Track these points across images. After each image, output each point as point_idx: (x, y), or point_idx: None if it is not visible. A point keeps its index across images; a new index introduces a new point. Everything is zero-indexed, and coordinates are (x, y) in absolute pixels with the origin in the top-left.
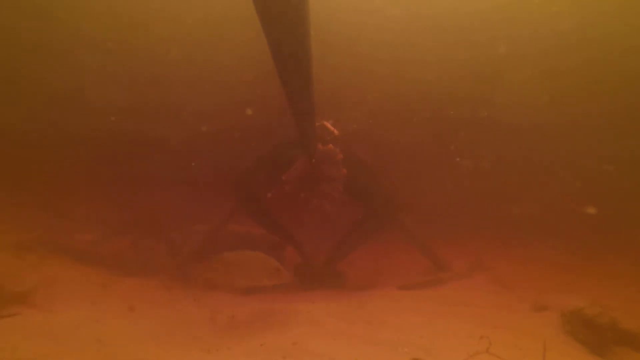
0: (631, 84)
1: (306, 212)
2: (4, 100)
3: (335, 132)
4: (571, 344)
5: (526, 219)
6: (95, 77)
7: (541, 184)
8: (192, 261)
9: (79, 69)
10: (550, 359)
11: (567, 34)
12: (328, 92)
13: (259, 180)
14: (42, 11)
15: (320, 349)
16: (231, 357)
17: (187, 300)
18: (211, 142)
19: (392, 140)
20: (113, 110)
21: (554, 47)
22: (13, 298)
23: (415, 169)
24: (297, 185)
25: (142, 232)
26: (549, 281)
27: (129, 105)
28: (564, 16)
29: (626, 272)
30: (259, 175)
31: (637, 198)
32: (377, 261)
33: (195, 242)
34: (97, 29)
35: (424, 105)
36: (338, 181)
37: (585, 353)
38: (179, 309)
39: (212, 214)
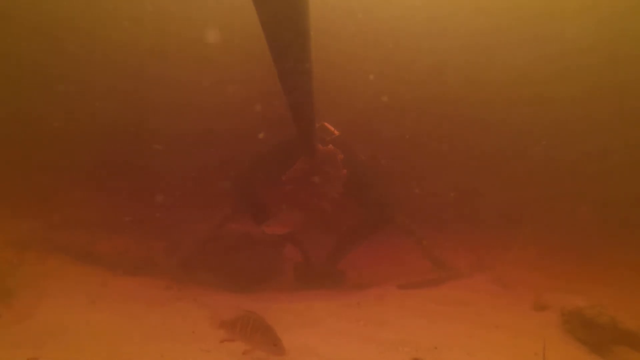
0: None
1: (306, 212)
2: (3, 98)
3: (336, 132)
4: (571, 344)
5: (526, 218)
6: (98, 73)
7: (541, 184)
8: (191, 260)
9: (81, 65)
10: (550, 359)
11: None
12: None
13: (259, 179)
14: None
15: (320, 349)
16: (231, 357)
17: (187, 299)
18: (212, 141)
19: (394, 140)
20: (114, 108)
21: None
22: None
23: (416, 168)
24: (296, 185)
25: (141, 231)
26: (549, 281)
27: (130, 103)
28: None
29: (626, 272)
30: (259, 175)
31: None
32: (377, 260)
33: (195, 241)
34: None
35: (426, 105)
36: (338, 181)
37: (585, 352)
38: (179, 309)
39: (212, 212)
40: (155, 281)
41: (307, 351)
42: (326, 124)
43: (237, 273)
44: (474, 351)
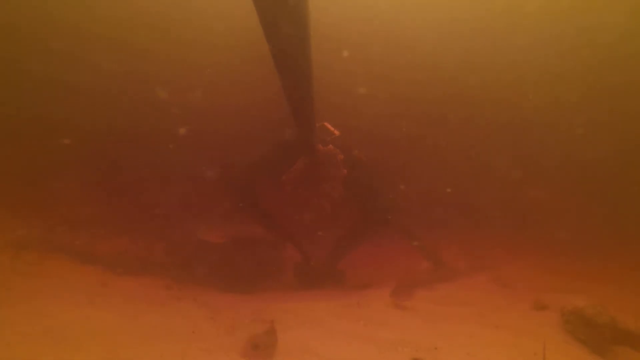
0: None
1: (306, 211)
2: (2, 98)
3: (336, 132)
4: (571, 343)
5: (526, 218)
6: (97, 74)
7: (541, 184)
8: (192, 260)
9: (81, 67)
10: (550, 358)
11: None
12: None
13: (259, 180)
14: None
15: (320, 348)
16: (231, 357)
17: (187, 299)
18: (212, 141)
19: (394, 141)
20: (114, 109)
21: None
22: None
23: (417, 168)
24: (297, 185)
25: (140, 231)
26: (549, 281)
27: (130, 102)
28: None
29: (626, 272)
30: (259, 175)
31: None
32: (377, 261)
33: (195, 241)
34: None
35: (425, 106)
36: (338, 181)
37: (585, 352)
38: (179, 309)
39: (212, 213)
40: (155, 281)
41: (308, 351)
42: (326, 124)
43: (237, 273)
44: (474, 351)
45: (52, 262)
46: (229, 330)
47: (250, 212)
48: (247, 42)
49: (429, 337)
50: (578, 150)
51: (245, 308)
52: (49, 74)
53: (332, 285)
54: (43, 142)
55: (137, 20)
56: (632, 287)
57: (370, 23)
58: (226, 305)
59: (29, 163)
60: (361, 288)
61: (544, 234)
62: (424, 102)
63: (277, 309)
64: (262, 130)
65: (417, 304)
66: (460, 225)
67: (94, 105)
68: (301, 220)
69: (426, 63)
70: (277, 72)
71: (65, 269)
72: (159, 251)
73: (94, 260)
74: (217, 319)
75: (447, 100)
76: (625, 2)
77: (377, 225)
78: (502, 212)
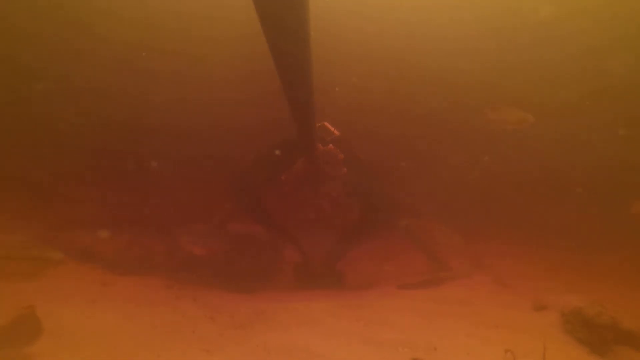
0: None
1: (306, 211)
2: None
3: (336, 132)
4: (571, 343)
5: (526, 218)
6: (95, 70)
7: (541, 183)
8: (192, 260)
9: (78, 62)
10: (550, 359)
11: None
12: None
13: (259, 179)
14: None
15: (320, 349)
16: (231, 357)
17: (187, 299)
18: (212, 139)
19: (394, 140)
20: (112, 106)
21: None
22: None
23: (417, 168)
24: (297, 185)
25: (140, 230)
26: (549, 280)
27: (129, 99)
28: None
29: (626, 271)
30: (259, 175)
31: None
32: (376, 260)
33: (195, 240)
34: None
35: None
36: (338, 181)
37: (585, 352)
38: (179, 309)
39: (212, 212)
40: (155, 281)
41: (307, 351)
42: (326, 123)
43: (237, 273)
44: (474, 351)
45: (52, 262)
46: (230, 331)
47: (251, 211)
48: (245, 38)
49: (429, 336)
50: (579, 148)
51: (245, 308)
52: (46, 70)
53: (332, 285)
54: (43, 141)
55: (129, 13)
56: (632, 287)
57: (373, 19)
58: (226, 305)
59: (29, 163)
60: (361, 288)
61: (545, 233)
62: (424, 102)
63: (277, 309)
64: (262, 130)
65: (417, 304)
66: (459, 224)
67: (93, 102)
68: (301, 220)
69: (428, 62)
70: (276, 70)
71: (65, 269)
72: (159, 251)
73: (94, 260)
74: (217, 319)
75: (449, 100)
76: None
77: (376, 224)
78: (503, 212)
